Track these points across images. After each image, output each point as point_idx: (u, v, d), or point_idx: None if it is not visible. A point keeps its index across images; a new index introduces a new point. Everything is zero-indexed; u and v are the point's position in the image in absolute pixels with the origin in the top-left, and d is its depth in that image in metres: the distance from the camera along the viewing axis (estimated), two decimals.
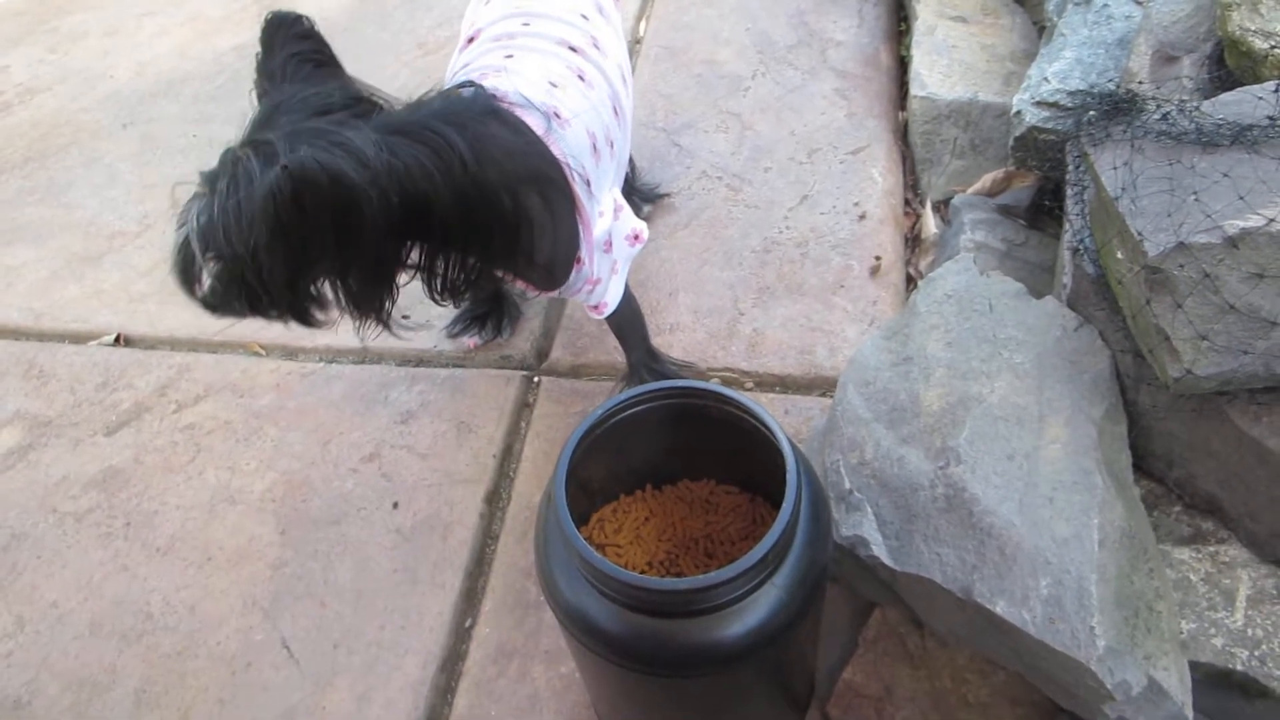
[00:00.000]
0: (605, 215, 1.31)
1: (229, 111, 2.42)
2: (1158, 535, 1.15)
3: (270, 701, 1.33)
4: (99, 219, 2.16)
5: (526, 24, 1.34)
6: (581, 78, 1.31)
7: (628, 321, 1.51)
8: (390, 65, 2.49)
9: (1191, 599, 1.08)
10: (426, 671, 1.33)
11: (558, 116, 1.21)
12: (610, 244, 1.33)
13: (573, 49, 1.33)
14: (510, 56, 1.28)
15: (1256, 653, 1.03)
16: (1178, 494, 1.19)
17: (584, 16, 1.40)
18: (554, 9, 1.38)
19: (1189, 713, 0.96)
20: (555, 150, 1.17)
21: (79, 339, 1.90)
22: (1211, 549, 1.12)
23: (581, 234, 1.25)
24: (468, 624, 1.39)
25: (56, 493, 1.63)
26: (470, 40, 1.38)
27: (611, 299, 1.38)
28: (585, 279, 1.31)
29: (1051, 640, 0.95)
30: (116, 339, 1.88)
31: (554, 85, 1.26)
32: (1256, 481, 1.06)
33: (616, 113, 1.38)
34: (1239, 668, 1.03)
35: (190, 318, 1.89)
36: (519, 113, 1.15)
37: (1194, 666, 1.03)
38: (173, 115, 2.44)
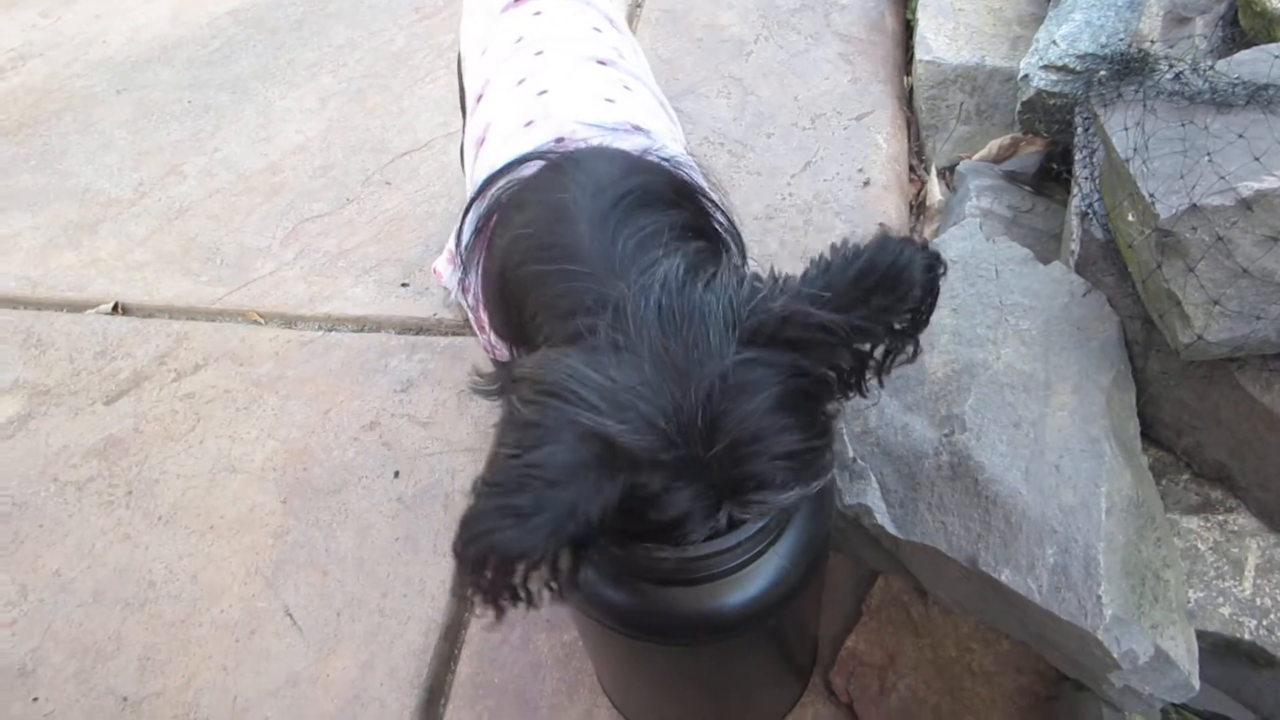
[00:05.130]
0: None
1: (223, 77, 2.38)
2: (1166, 504, 1.14)
3: (273, 669, 1.33)
4: (94, 186, 2.14)
5: (540, 52, 1.20)
6: (627, 88, 1.18)
7: None
8: (388, 29, 2.45)
9: (1199, 568, 1.07)
10: (429, 639, 1.33)
11: (638, 129, 1.08)
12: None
13: (601, 63, 1.21)
14: (544, 93, 1.13)
15: (1265, 622, 1.02)
16: (1186, 462, 1.18)
17: (597, 29, 1.28)
18: (564, 30, 1.24)
19: (1195, 682, 0.96)
20: (673, 167, 1.02)
21: (76, 307, 1.88)
22: (1220, 518, 1.11)
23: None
24: (470, 591, 1.39)
25: (57, 462, 1.62)
26: (479, 98, 1.23)
27: None
28: None
29: (1057, 609, 0.95)
30: (114, 307, 1.87)
31: (610, 101, 1.13)
32: (1267, 449, 1.05)
33: (666, 113, 1.25)
34: (1246, 637, 1.02)
35: (188, 285, 1.88)
36: (621, 145, 1.01)
37: (1201, 636, 1.02)
38: (167, 81, 2.40)
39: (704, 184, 1.04)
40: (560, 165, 0.97)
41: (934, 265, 0.73)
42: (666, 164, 1.00)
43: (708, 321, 0.71)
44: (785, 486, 0.71)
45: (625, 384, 0.69)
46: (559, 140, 1.03)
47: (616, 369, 0.70)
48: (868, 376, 0.79)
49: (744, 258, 1.04)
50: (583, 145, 1.01)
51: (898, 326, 0.74)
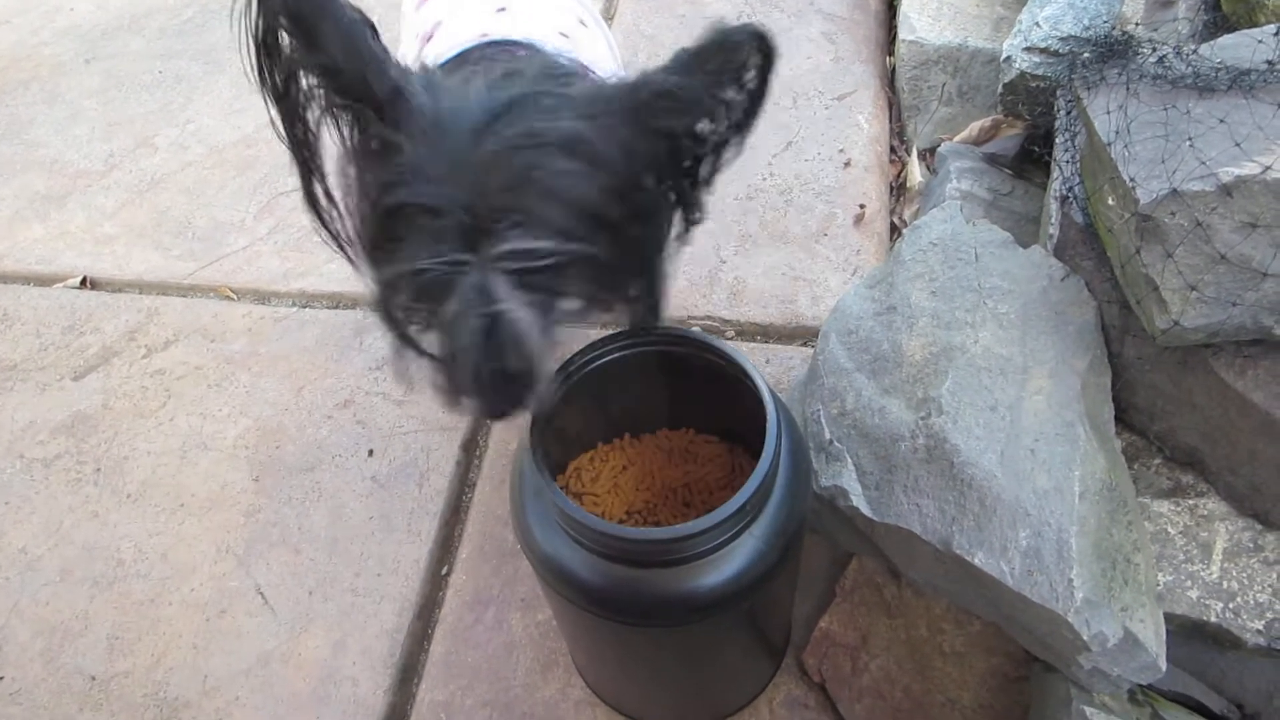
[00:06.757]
0: None
1: (196, 47, 2.34)
2: (1138, 488, 1.14)
3: (245, 648, 1.32)
4: (62, 158, 2.09)
5: None
6: (583, 23, 1.19)
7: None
8: (365, 1, 2.40)
9: (1169, 551, 1.08)
10: (403, 619, 1.32)
11: (587, 71, 1.06)
12: None
13: None
14: (503, 10, 1.12)
15: (1231, 605, 1.03)
16: (1159, 447, 1.18)
17: None
18: None
19: (1163, 664, 0.97)
20: None
21: (44, 281, 1.85)
22: (1191, 502, 1.12)
23: None
24: (444, 571, 1.38)
25: (23, 438, 1.59)
26: (433, 29, 1.21)
27: None
28: None
29: (1029, 592, 0.95)
30: (83, 281, 1.83)
31: (564, 35, 1.12)
32: (1238, 435, 1.06)
33: (614, 59, 1.26)
34: (1213, 619, 1.03)
35: (159, 260, 1.85)
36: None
37: (1169, 618, 1.03)
38: (137, 50, 2.35)
39: None
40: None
41: (765, 36, 0.70)
42: None
43: (551, 96, 0.70)
44: (548, 233, 0.65)
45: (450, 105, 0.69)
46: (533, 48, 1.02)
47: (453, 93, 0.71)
48: (702, 172, 0.79)
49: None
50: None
51: (732, 97, 0.73)
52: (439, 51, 1.07)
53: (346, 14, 0.71)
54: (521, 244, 0.64)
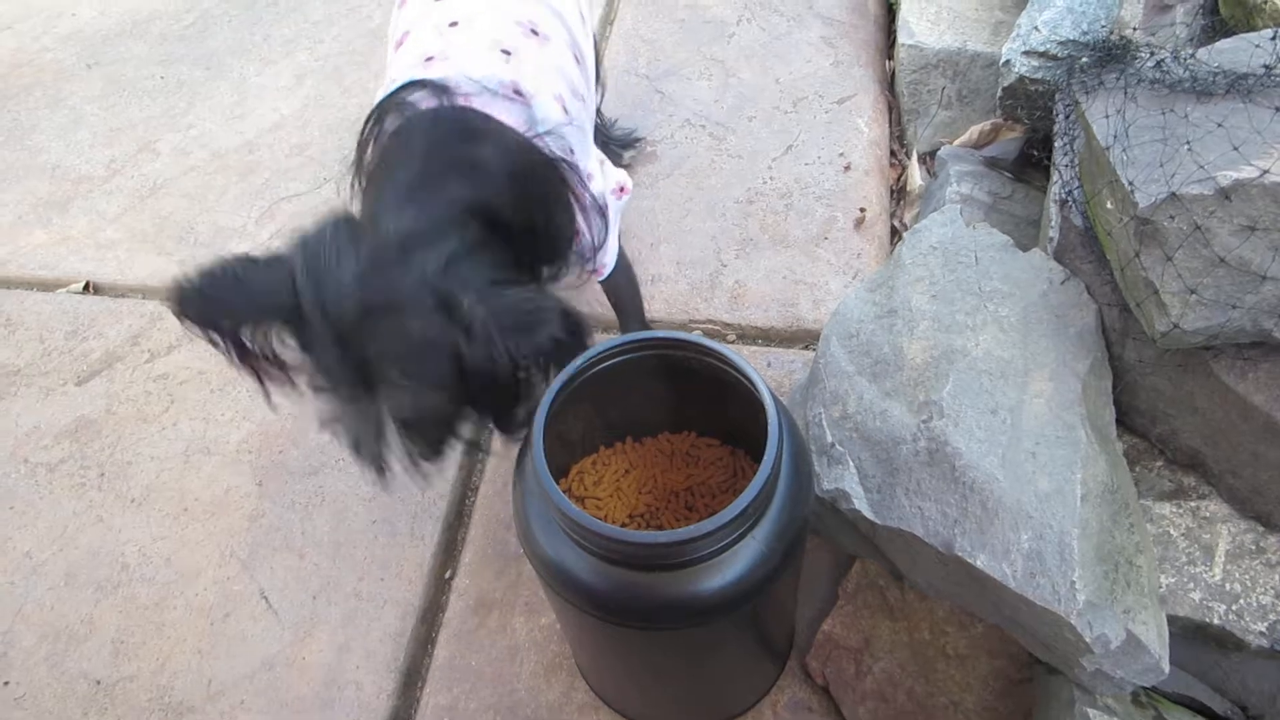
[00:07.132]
0: (595, 176, 1.23)
1: (198, 52, 2.34)
2: (1139, 490, 1.15)
3: (249, 652, 1.32)
4: (64, 163, 2.10)
5: None
6: (535, 32, 1.18)
7: (625, 288, 1.44)
8: (366, 5, 2.41)
9: (1171, 554, 1.09)
10: (406, 623, 1.33)
11: (519, 94, 1.09)
12: (605, 206, 1.24)
13: None
14: (454, 24, 1.15)
15: (1234, 607, 1.04)
16: (1160, 449, 1.19)
17: None
18: None
19: (1165, 665, 0.97)
20: (539, 142, 1.07)
21: (47, 286, 1.85)
22: (1193, 504, 1.12)
23: (576, 209, 1.16)
24: (447, 575, 1.38)
25: (27, 443, 1.60)
26: (402, 3, 1.28)
27: (610, 258, 1.30)
28: (586, 250, 1.22)
29: (1032, 594, 0.95)
30: (85, 286, 1.84)
31: (507, 53, 1.13)
32: (1239, 437, 1.06)
33: (578, 60, 1.26)
34: (1216, 621, 1.03)
35: (162, 265, 1.85)
36: (495, 109, 1.05)
37: (1172, 620, 1.04)
38: (139, 56, 2.36)
39: (575, 158, 1.14)
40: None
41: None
42: (530, 147, 1.07)
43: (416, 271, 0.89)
44: (403, 407, 0.91)
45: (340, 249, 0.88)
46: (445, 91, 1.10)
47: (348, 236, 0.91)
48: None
49: (605, 232, 1.23)
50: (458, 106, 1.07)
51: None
52: (394, 76, 1.12)
53: (225, 302, 0.94)
54: (391, 406, 0.91)
